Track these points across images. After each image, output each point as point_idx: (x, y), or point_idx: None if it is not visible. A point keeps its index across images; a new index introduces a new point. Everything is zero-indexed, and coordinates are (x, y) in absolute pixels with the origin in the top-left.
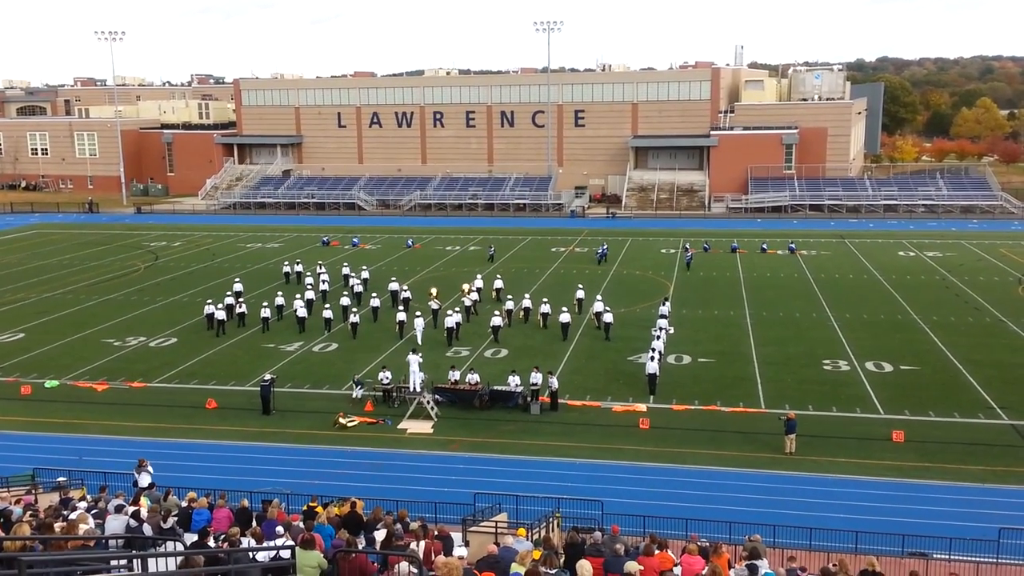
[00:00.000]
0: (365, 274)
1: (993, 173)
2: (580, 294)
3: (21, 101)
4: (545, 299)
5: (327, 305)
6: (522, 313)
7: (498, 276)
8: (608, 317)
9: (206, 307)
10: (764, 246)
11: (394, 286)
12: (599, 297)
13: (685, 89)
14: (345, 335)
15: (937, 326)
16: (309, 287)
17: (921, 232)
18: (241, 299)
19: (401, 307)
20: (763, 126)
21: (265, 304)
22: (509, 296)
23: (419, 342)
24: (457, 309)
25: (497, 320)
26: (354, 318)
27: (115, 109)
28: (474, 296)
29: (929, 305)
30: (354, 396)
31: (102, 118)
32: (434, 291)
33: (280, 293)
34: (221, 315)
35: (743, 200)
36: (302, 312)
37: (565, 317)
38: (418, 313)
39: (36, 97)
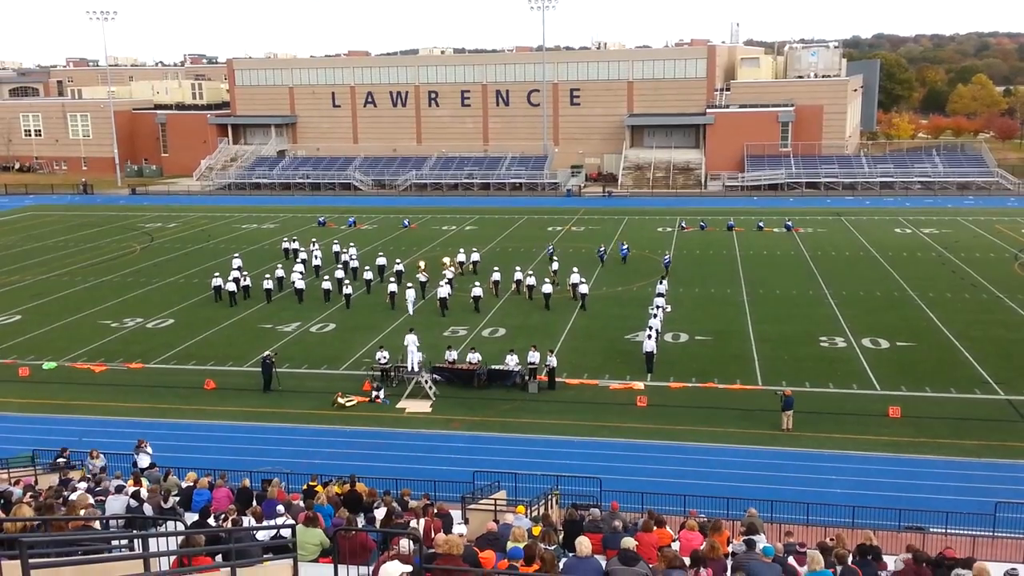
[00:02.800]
0: (353, 250)
1: (989, 150)
2: (555, 266)
3: (13, 82)
4: (530, 271)
5: (325, 277)
6: (513, 285)
7: (475, 249)
8: (584, 288)
9: (213, 279)
10: (760, 224)
11: (382, 261)
12: (575, 269)
13: (681, 67)
14: (342, 314)
15: (933, 303)
16: (301, 262)
17: (917, 209)
18: (244, 272)
19: (392, 279)
20: (759, 104)
21: (267, 276)
22: (496, 268)
23: (411, 312)
24: (444, 282)
25: (477, 291)
26: (347, 289)
27: (108, 90)
28: (451, 272)
29: (925, 282)
30: (373, 398)
31: (95, 99)
32: (423, 264)
33: (279, 265)
34: (232, 287)
35: (739, 178)
36: (300, 284)
37: (547, 288)
38: (409, 285)
39: (28, 78)
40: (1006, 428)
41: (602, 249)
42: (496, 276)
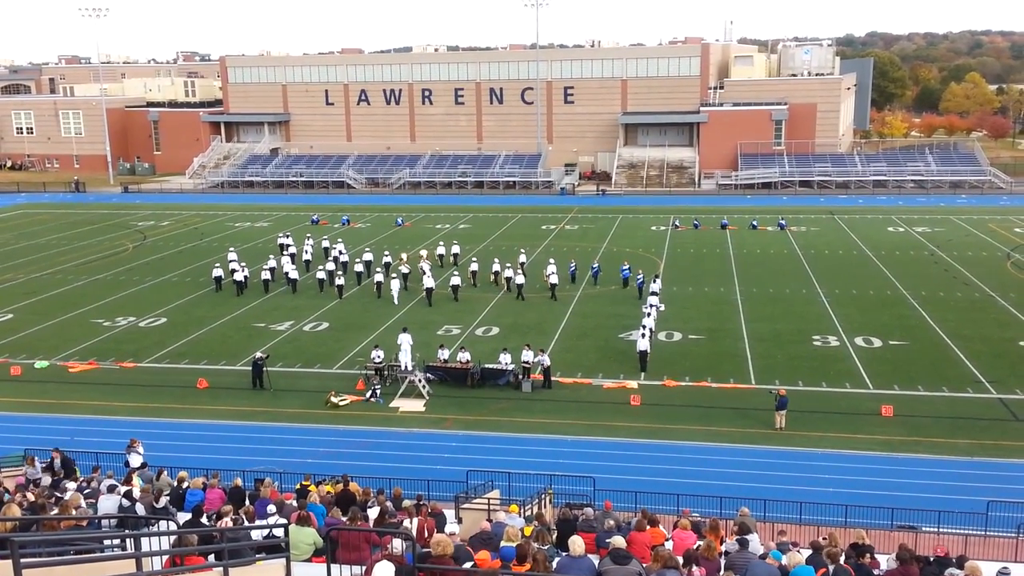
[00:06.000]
0: (341, 245)
1: (982, 148)
2: (522, 258)
3: (5, 80)
4: (508, 264)
5: (320, 267)
6: (492, 276)
7: (455, 242)
8: (554, 279)
9: (214, 270)
10: (754, 223)
11: (368, 257)
12: (551, 260)
13: (675, 65)
14: (336, 313)
15: (926, 301)
16: (291, 256)
17: (910, 208)
18: (243, 264)
19: (379, 269)
20: (753, 102)
21: (265, 268)
22: (474, 258)
23: (396, 303)
24: (430, 274)
25: (456, 280)
26: (340, 281)
27: (100, 87)
28: (427, 265)
29: (918, 280)
30: (368, 398)
31: (87, 96)
32: (404, 256)
33: (272, 256)
34: (239, 277)
35: (733, 176)
36: (293, 274)
37: (520, 279)
38: (394, 276)
39: (20, 75)
40: (998, 427)
41: (595, 267)
42: (474, 267)
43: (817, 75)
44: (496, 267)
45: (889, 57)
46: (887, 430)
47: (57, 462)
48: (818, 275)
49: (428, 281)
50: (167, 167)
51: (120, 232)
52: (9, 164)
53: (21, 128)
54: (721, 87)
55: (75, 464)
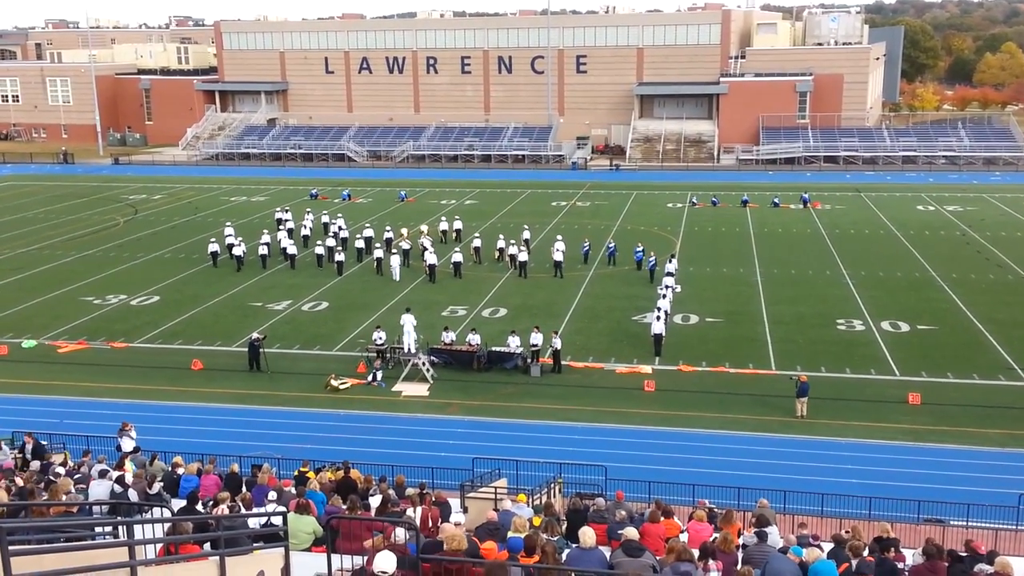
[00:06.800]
0: (341, 220)
1: (1018, 123)
2: (526, 235)
3: None
4: (513, 240)
5: (318, 243)
6: (496, 253)
7: (457, 217)
8: (559, 256)
9: (210, 245)
10: (776, 200)
11: (369, 233)
12: (559, 237)
13: (693, 33)
14: (336, 292)
15: (957, 284)
16: (288, 231)
17: (941, 185)
18: (240, 239)
19: (378, 245)
20: (776, 72)
21: (261, 242)
22: (477, 235)
23: (396, 279)
24: (432, 249)
25: (458, 256)
26: (339, 257)
27: (89, 53)
28: (427, 240)
29: (949, 262)
30: (369, 381)
31: (75, 63)
32: (405, 231)
33: (266, 232)
34: (238, 252)
35: (754, 151)
36: (292, 250)
37: (523, 256)
38: (394, 251)
39: (5, 40)
40: None
41: (611, 246)
42: (477, 243)
43: (844, 44)
44: (501, 243)
45: (921, 25)
46: (914, 419)
47: (29, 447)
48: (843, 255)
49: (430, 258)
50: (159, 138)
51: (110, 206)
52: None
53: (6, 96)
54: (742, 56)
55: (46, 450)
